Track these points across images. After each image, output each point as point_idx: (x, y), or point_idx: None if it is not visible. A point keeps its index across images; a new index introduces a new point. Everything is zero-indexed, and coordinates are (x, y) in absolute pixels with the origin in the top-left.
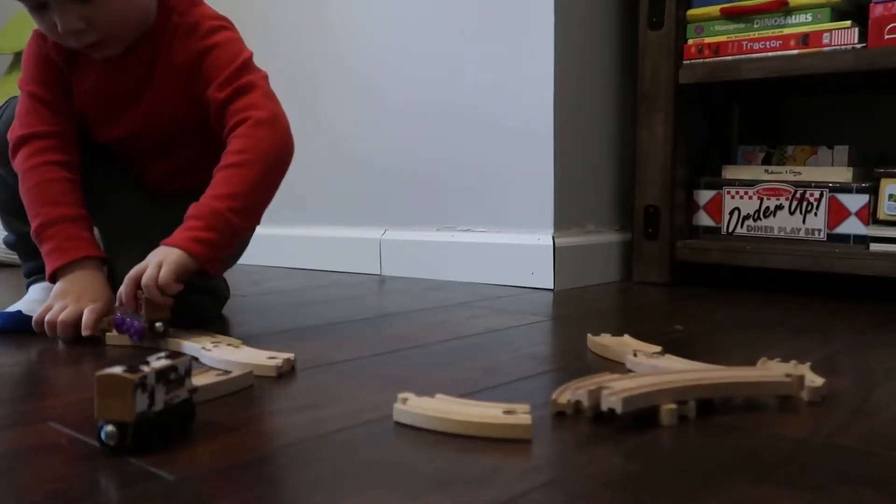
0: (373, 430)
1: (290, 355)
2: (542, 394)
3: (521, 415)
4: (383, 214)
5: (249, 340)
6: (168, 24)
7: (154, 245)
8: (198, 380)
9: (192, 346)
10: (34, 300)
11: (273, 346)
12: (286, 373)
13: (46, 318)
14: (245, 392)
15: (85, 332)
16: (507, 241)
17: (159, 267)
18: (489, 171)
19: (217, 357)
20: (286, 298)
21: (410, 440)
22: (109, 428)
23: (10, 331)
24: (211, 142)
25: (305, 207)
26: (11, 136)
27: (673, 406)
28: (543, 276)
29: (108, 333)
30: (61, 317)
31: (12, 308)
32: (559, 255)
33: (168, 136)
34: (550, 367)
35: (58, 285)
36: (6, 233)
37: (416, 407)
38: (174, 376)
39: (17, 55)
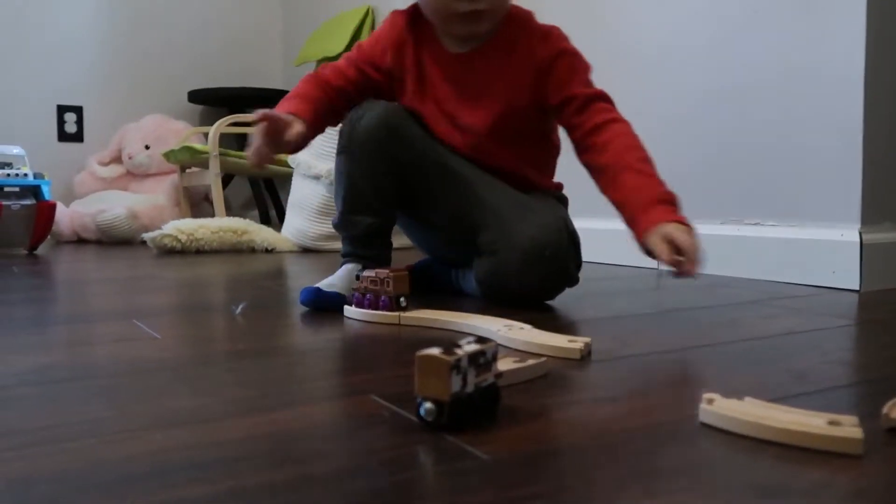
0: (677, 430)
1: (588, 339)
2: (865, 406)
3: (850, 427)
4: None
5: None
6: (525, 26)
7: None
8: (499, 365)
9: (487, 327)
10: (336, 277)
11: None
12: (585, 357)
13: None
14: (541, 379)
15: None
16: (803, 235)
17: (690, 234)
18: (781, 158)
19: (518, 339)
20: None
21: (720, 443)
22: (428, 405)
23: (308, 304)
24: (540, 139)
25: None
26: None
27: None
28: (847, 276)
29: (345, 307)
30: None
31: (314, 286)
32: (867, 252)
33: (515, 129)
34: (869, 377)
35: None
36: (335, 215)
37: (725, 409)
38: (483, 360)
39: (320, 61)
